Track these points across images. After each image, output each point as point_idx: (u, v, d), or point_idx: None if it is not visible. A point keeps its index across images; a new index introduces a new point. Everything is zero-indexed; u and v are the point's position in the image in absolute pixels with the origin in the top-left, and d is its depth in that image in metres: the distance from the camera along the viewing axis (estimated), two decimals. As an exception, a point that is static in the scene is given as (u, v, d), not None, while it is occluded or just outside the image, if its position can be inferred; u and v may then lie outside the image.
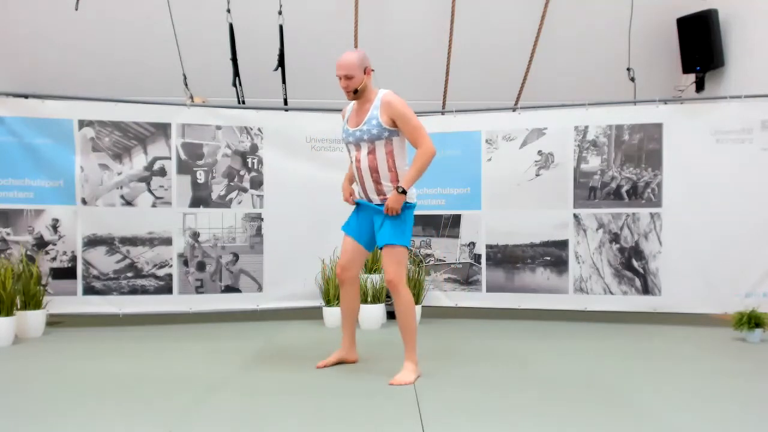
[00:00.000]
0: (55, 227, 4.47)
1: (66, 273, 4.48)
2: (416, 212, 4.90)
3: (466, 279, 4.91)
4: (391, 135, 3.00)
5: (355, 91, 2.99)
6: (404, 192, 2.94)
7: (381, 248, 3.05)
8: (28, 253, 4.40)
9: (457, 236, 4.93)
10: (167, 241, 4.64)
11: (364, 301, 4.46)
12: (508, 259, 4.85)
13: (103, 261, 4.54)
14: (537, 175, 4.81)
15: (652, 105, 4.69)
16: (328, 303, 4.62)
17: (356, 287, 3.27)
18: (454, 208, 4.94)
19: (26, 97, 4.45)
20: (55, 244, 4.48)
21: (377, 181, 3.03)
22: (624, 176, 4.69)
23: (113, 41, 5.70)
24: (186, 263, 4.67)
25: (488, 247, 4.88)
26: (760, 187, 4.46)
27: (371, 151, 3.00)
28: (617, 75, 5.70)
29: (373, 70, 3.07)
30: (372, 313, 4.53)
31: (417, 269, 4.80)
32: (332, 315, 4.56)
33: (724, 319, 4.49)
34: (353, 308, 3.28)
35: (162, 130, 4.64)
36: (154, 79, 5.69)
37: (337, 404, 2.59)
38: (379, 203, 3.06)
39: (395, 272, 2.98)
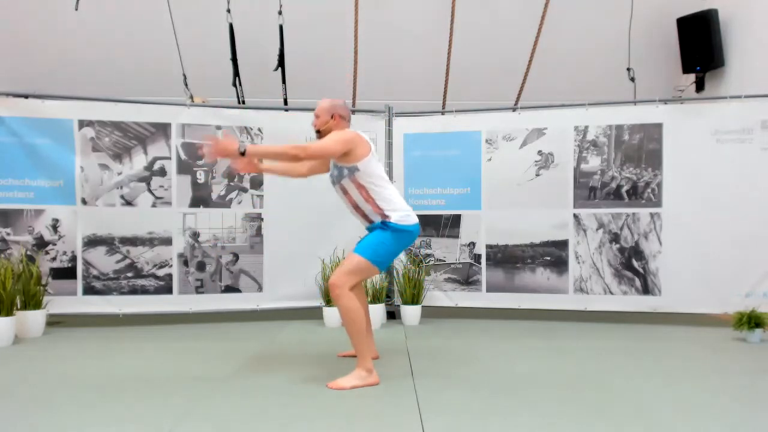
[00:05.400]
0: (55, 227, 4.47)
1: (66, 273, 4.48)
2: (416, 213, 4.98)
3: (466, 279, 4.92)
4: (352, 171, 2.99)
5: (318, 132, 3.14)
6: (244, 153, 2.79)
7: None
8: (28, 253, 4.40)
9: (457, 236, 4.93)
10: (167, 241, 4.64)
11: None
12: (508, 259, 4.85)
13: (103, 261, 4.54)
14: (537, 175, 4.81)
15: (652, 105, 4.69)
16: (328, 303, 4.62)
17: (360, 297, 3.30)
18: (454, 208, 4.94)
19: (26, 97, 4.45)
20: (55, 244, 4.48)
21: (364, 216, 3.08)
22: (624, 176, 4.69)
23: (113, 41, 5.72)
24: (186, 263, 4.67)
25: (488, 247, 4.88)
26: (760, 187, 4.46)
27: (345, 192, 3.07)
28: (617, 75, 5.71)
29: (343, 118, 3.15)
30: (372, 313, 4.50)
31: (417, 269, 4.81)
32: (332, 315, 4.56)
33: (724, 319, 4.49)
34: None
35: (162, 130, 4.64)
36: (154, 79, 5.70)
37: (337, 404, 2.59)
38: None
39: (338, 276, 2.89)
